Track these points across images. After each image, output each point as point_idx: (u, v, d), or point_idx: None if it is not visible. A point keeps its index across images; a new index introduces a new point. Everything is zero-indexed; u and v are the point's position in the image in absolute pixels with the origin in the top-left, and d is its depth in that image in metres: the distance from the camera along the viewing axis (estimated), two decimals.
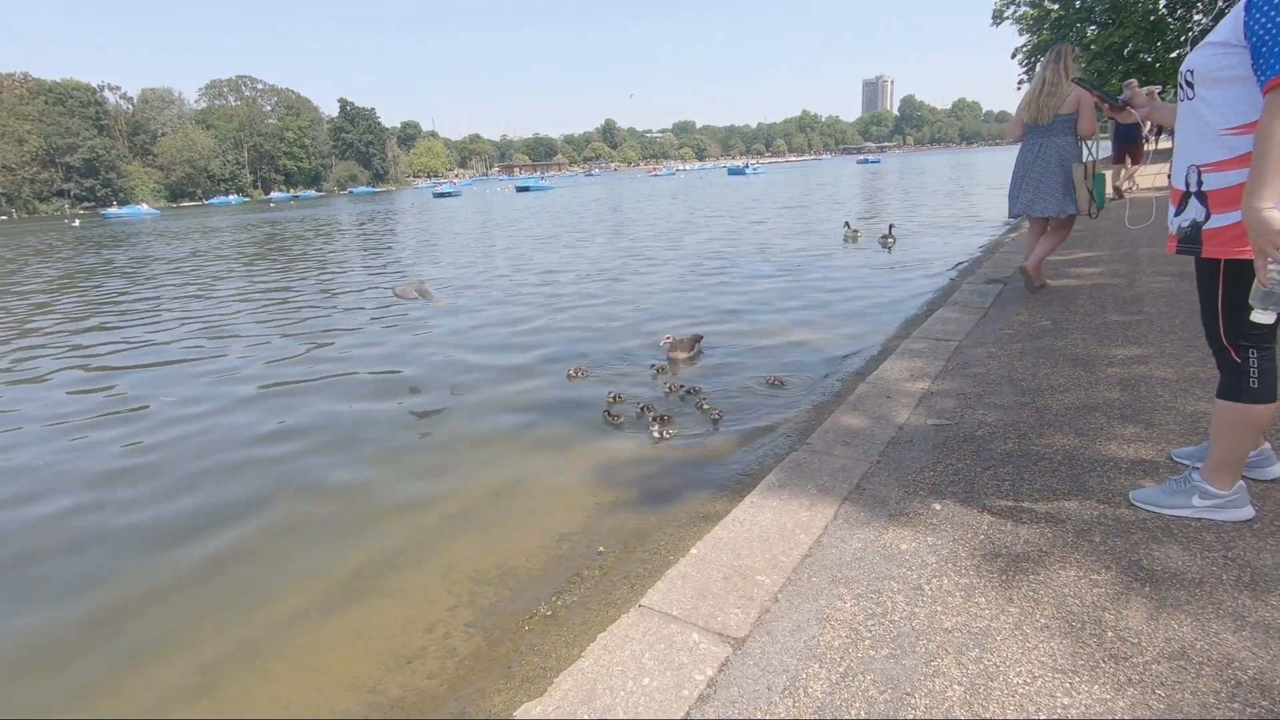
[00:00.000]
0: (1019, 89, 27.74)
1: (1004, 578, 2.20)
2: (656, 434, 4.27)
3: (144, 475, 4.44)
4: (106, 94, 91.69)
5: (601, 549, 3.17)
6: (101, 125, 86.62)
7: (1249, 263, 1.96)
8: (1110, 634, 1.90)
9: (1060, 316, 5.35)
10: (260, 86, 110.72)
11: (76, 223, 52.11)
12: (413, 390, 5.89)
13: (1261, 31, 1.78)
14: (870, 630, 2.04)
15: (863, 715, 1.72)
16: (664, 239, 16.68)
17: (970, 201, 21.49)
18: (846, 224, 14.76)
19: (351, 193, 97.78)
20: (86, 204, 78.36)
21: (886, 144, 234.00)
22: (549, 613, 2.70)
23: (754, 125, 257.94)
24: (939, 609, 2.09)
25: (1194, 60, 2.10)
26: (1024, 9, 26.27)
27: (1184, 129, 2.19)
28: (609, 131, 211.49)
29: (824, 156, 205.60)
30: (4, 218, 72.32)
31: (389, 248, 19.73)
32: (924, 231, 14.53)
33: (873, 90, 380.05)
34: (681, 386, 5.11)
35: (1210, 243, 2.11)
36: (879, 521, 2.64)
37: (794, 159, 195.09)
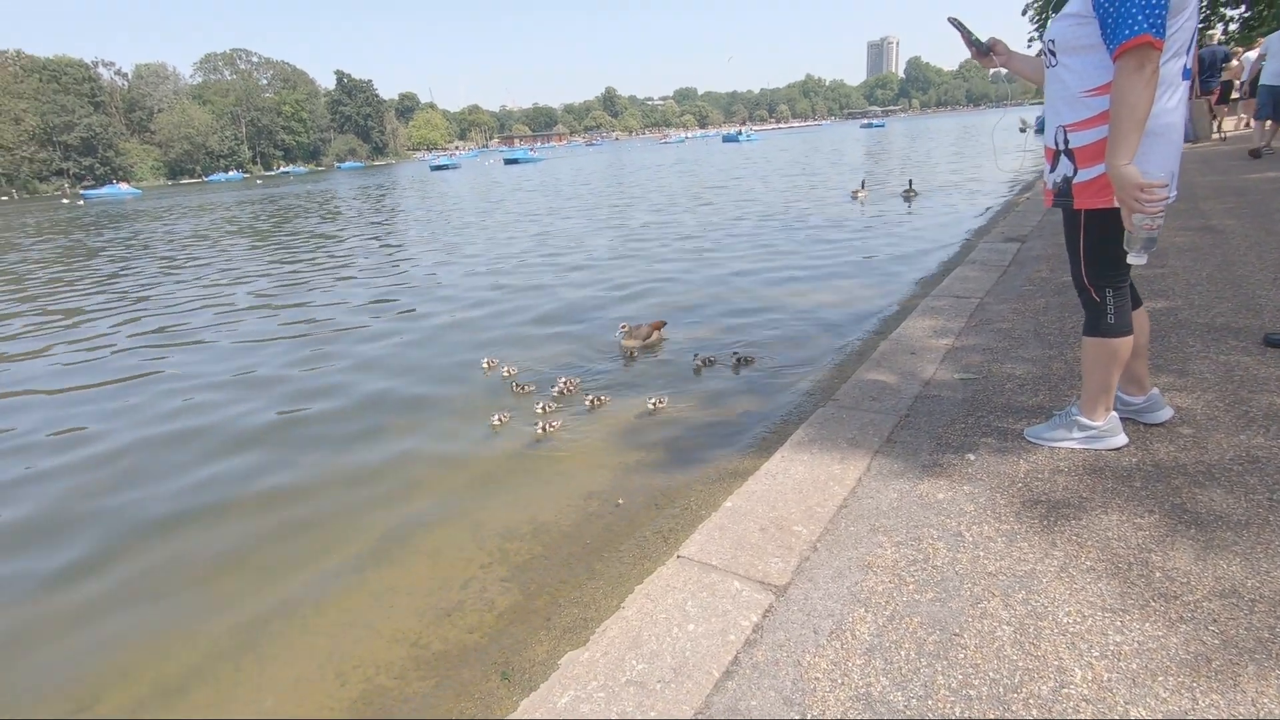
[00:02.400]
0: (1029, 46, 27.09)
1: (1045, 524, 2.19)
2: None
3: (177, 441, 4.47)
4: (100, 70, 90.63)
5: (620, 501, 3.18)
6: (97, 102, 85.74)
7: (1107, 211, 2.20)
8: (1158, 574, 1.89)
9: None
10: (256, 60, 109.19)
11: (67, 200, 51.84)
12: (429, 356, 5.88)
13: (1105, 4, 1.98)
14: (913, 575, 2.03)
15: (913, 655, 1.73)
16: (674, 213, 16.51)
17: (978, 164, 21.14)
18: (862, 183, 14.94)
19: (338, 167, 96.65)
20: (86, 183, 77.88)
21: (892, 108, 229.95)
22: (584, 566, 2.71)
23: (757, 91, 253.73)
24: (981, 554, 2.09)
25: (1054, 30, 2.27)
26: None
27: (1050, 92, 2.36)
28: (610, 100, 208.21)
29: (824, 122, 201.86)
30: (4, 198, 72.06)
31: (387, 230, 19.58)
32: (933, 193, 14.33)
33: (878, 53, 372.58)
34: (696, 356, 5.02)
35: (1080, 195, 2.27)
36: (913, 473, 2.63)
37: (797, 124, 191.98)
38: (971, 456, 2.69)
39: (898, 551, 2.16)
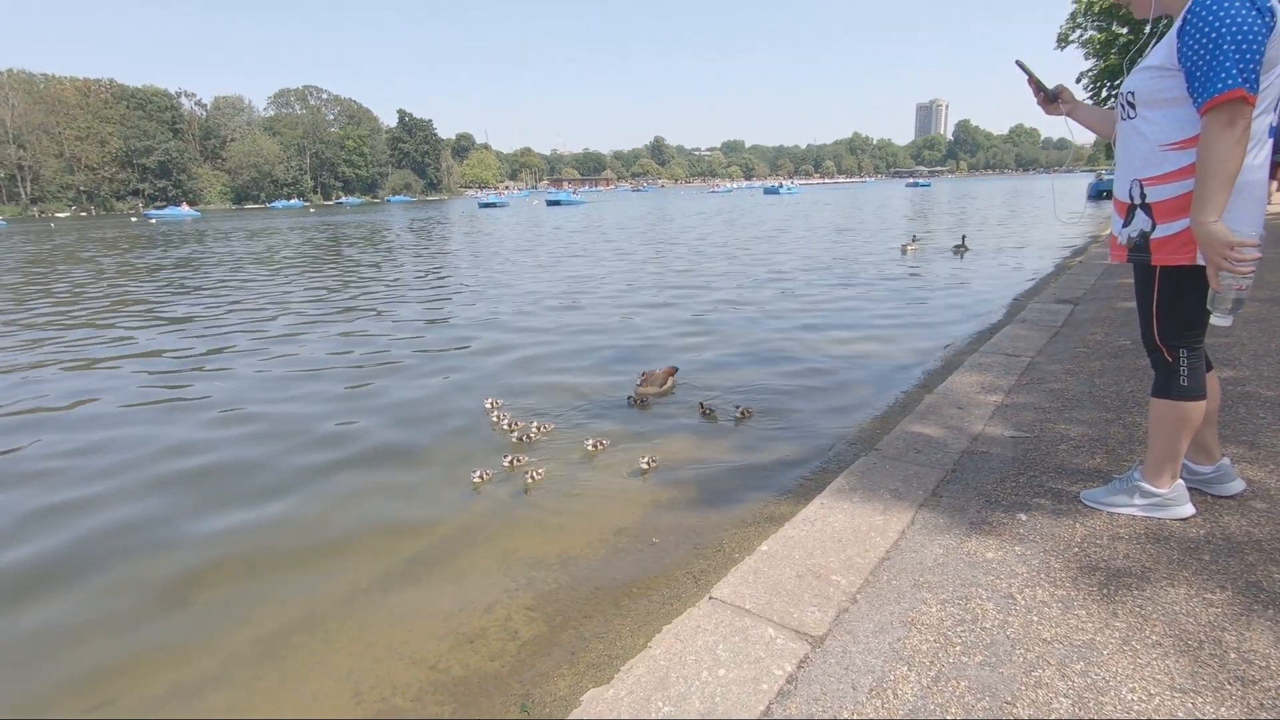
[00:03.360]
0: None
1: (1105, 592, 2.05)
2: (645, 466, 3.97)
3: (208, 445, 4.56)
4: (183, 100, 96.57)
5: (655, 539, 3.10)
6: (176, 129, 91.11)
7: (1185, 268, 2.13)
8: (1233, 655, 1.74)
9: (1139, 337, 5.09)
10: (325, 96, 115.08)
11: (135, 219, 54.80)
12: (464, 388, 5.93)
13: (1194, 57, 1.92)
14: (960, 636, 1.92)
15: None
16: (711, 257, 16.62)
17: (1026, 227, 20.89)
18: (914, 238, 15.11)
19: (388, 201, 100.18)
20: (158, 204, 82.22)
21: (939, 168, 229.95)
22: (610, 601, 2.64)
23: (803, 146, 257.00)
24: (1035, 619, 1.96)
25: (1133, 83, 2.21)
26: (1090, 33, 25.59)
27: (1125, 146, 2.27)
28: (658, 148, 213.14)
29: (868, 179, 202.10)
30: (84, 214, 76.46)
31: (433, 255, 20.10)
32: (982, 253, 14.15)
33: (927, 114, 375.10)
34: (702, 404, 4.91)
35: (1159, 251, 2.19)
36: (960, 529, 2.51)
37: (842, 180, 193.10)
38: (1023, 516, 2.56)
39: (943, 610, 2.05)
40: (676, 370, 5.69)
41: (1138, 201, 2.24)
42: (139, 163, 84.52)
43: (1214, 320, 2.09)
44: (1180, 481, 2.41)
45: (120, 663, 2.53)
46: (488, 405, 5.02)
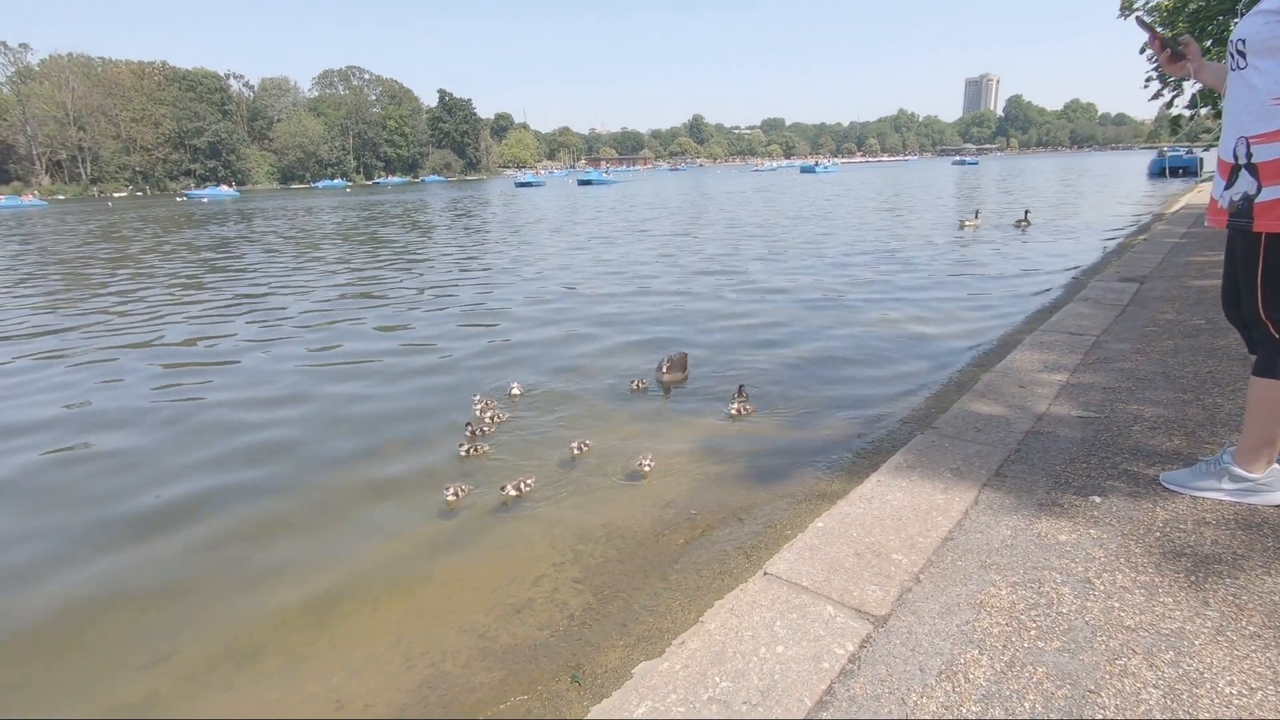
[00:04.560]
0: (1146, 86, 25.49)
1: (1193, 579, 1.92)
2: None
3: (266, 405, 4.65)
4: (231, 81, 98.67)
5: (694, 512, 3.05)
6: (225, 111, 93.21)
7: None
8: None
9: (1215, 316, 4.81)
10: (367, 76, 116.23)
11: (180, 199, 56.52)
12: (511, 363, 5.93)
13: None
14: (1034, 621, 1.81)
15: (1039, 708, 1.52)
16: (752, 239, 16.34)
17: (1084, 204, 20.00)
18: (976, 213, 14.92)
19: (423, 181, 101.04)
20: (209, 183, 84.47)
21: (988, 146, 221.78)
22: (659, 575, 2.59)
23: (846, 124, 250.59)
24: (1116, 605, 1.84)
25: (1245, 28, 1.98)
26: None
27: (1233, 100, 2.07)
28: (696, 127, 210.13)
29: (911, 157, 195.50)
30: (140, 194, 79.10)
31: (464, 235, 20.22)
32: (1037, 229, 13.61)
33: (976, 90, 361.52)
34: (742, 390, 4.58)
35: (1263, 216, 2.02)
36: (1028, 510, 2.38)
37: (886, 159, 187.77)
38: (1097, 499, 2.42)
39: (1014, 593, 1.94)
40: (686, 355, 5.34)
41: (1242, 161, 2.06)
42: (190, 143, 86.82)
43: None
44: (1276, 466, 2.25)
45: (178, 621, 2.58)
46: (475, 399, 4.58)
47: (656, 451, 3.62)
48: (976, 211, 15.52)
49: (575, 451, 3.72)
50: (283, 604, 2.63)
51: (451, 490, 3.25)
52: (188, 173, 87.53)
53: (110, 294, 10.34)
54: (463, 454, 3.82)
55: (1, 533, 3.28)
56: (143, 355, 6.55)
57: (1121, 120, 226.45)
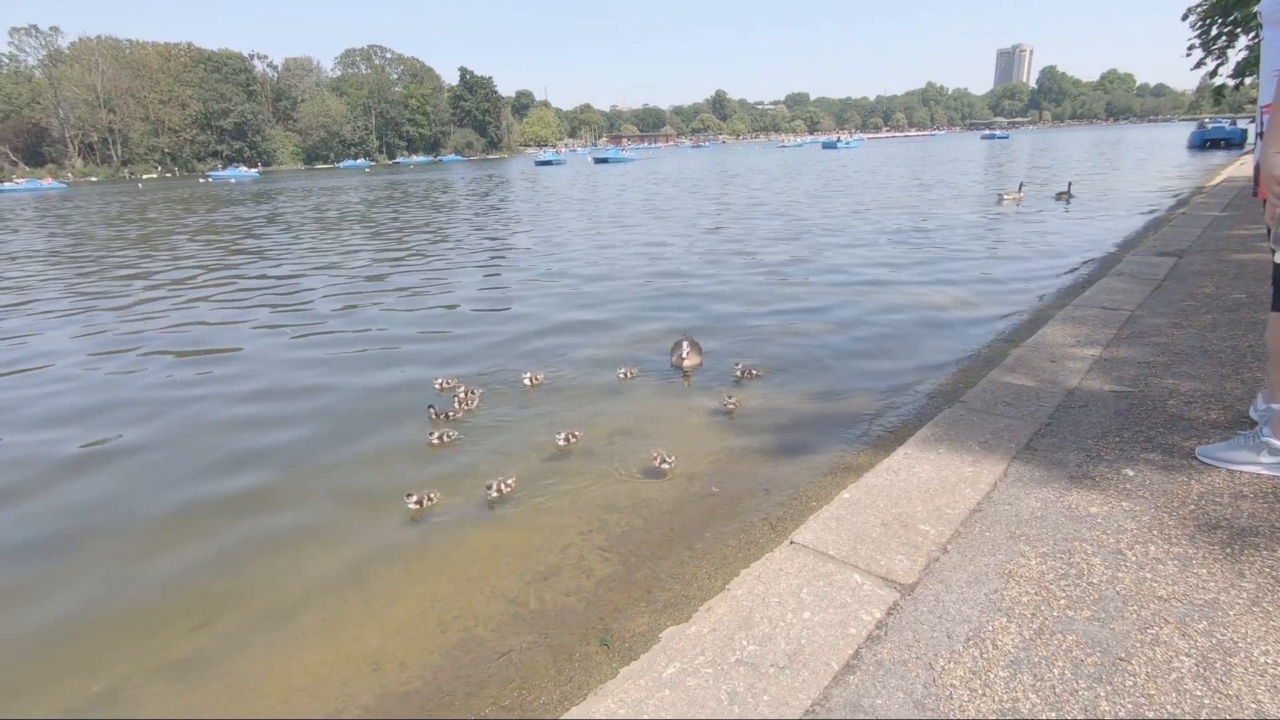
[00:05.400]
0: (1189, 55, 24.52)
1: (1228, 551, 1.90)
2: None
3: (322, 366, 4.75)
4: (255, 62, 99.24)
5: (715, 489, 3.05)
6: (250, 91, 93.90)
7: None
8: None
9: (1257, 291, 4.68)
10: (389, 55, 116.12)
11: (203, 181, 57.14)
12: (532, 335, 5.97)
13: None
14: (1064, 590, 1.81)
15: (1068, 674, 1.52)
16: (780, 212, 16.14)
17: (1119, 178, 19.41)
18: (1020, 186, 14.74)
19: (440, 160, 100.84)
20: (235, 164, 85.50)
21: (1019, 119, 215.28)
22: (684, 544, 2.62)
23: (872, 98, 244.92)
24: (1148, 575, 1.83)
25: (1267, 1, 2.07)
26: None
27: (1262, 68, 2.12)
28: (719, 103, 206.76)
29: (938, 131, 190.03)
30: (169, 175, 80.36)
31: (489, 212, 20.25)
32: (1076, 202, 13.26)
33: (1008, 61, 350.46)
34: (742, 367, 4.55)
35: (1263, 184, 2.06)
36: (1059, 482, 2.36)
37: (913, 133, 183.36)
38: (1129, 471, 2.39)
39: (1044, 563, 1.93)
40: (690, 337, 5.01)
41: (1259, 130, 2.10)
42: (217, 124, 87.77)
43: (1275, 259, 2.04)
44: None
45: (221, 586, 2.68)
46: (438, 384, 4.51)
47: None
48: (1021, 185, 15.28)
49: (571, 437, 3.60)
50: (320, 571, 2.71)
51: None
52: (215, 154, 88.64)
53: (133, 275, 10.57)
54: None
55: (66, 506, 3.42)
56: (180, 338, 6.70)
57: (1160, 91, 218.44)
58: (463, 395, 4.25)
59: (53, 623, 2.50)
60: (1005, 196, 14.19)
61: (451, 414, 4.06)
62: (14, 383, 5.30)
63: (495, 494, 3.08)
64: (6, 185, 49.97)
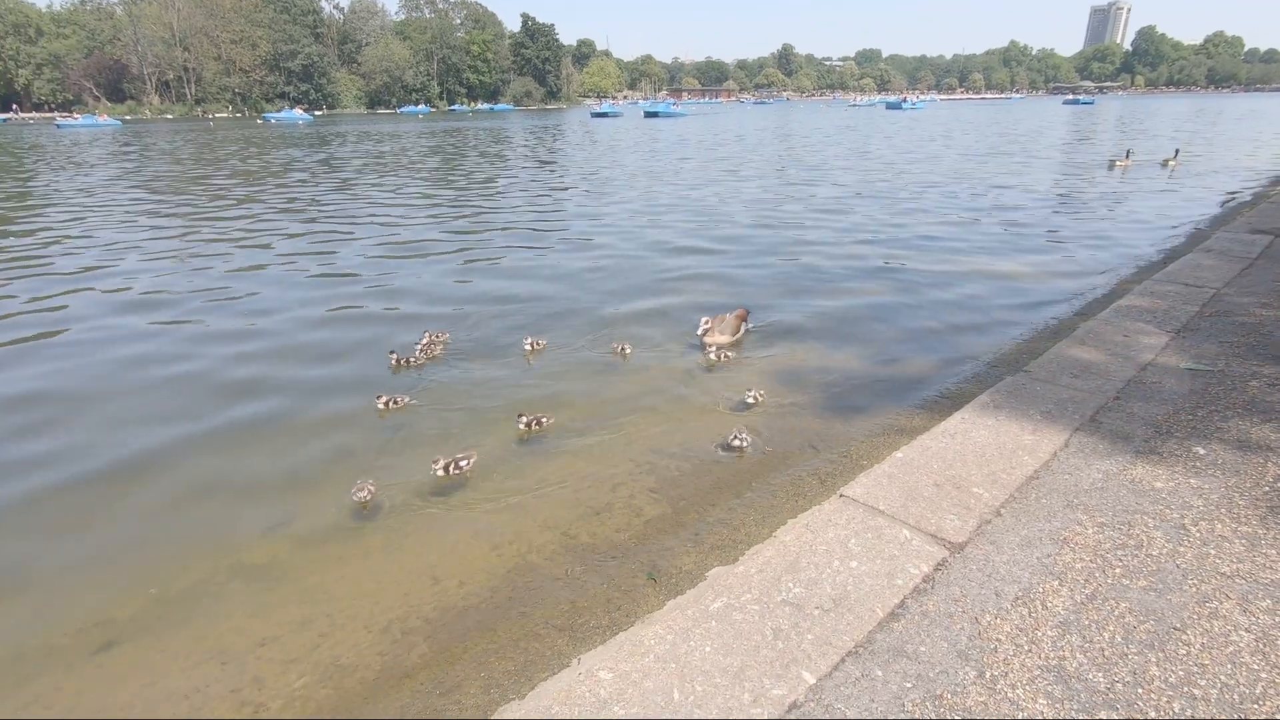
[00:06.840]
0: None
1: None
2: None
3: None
4: (323, 4, 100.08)
5: (769, 450, 3.06)
6: (317, 34, 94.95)
7: None
8: None
9: None
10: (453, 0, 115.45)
11: (260, 122, 58.70)
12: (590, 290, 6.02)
13: None
14: (1120, 560, 1.79)
15: (1119, 639, 1.52)
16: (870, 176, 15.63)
17: (1212, 152, 18.05)
18: (1128, 153, 14.28)
19: (491, 109, 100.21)
20: (302, 106, 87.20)
21: (1109, 84, 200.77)
22: (732, 491, 2.67)
23: (949, 56, 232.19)
24: (1212, 552, 1.79)
25: None
26: None
27: None
28: (785, 57, 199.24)
29: (1015, 95, 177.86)
30: (239, 115, 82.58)
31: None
32: (1157, 179, 12.46)
33: (1101, 19, 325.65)
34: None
35: None
36: (1123, 456, 2.31)
37: (990, 96, 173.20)
38: (1201, 450, 2.31)
39: (1101, 533, 1.91)
40: (748, 313, 4.70)
41: None
42: (285, 66, 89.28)
43: None
44: None
45: (292, 499, 2.85)
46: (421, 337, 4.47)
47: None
48: (1128, 152, 14.71)
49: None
50: (388, 493, 2.85)
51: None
52: (282, 95, 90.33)
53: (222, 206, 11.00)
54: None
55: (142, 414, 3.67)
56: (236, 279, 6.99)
57: (1271, 57, 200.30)
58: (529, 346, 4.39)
59: (141, 522, 2.72)
60: (1117, 163, 13.97)
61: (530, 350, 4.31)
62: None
63: (531, 428, 3.28)
64: (63, 121, 52.25)
